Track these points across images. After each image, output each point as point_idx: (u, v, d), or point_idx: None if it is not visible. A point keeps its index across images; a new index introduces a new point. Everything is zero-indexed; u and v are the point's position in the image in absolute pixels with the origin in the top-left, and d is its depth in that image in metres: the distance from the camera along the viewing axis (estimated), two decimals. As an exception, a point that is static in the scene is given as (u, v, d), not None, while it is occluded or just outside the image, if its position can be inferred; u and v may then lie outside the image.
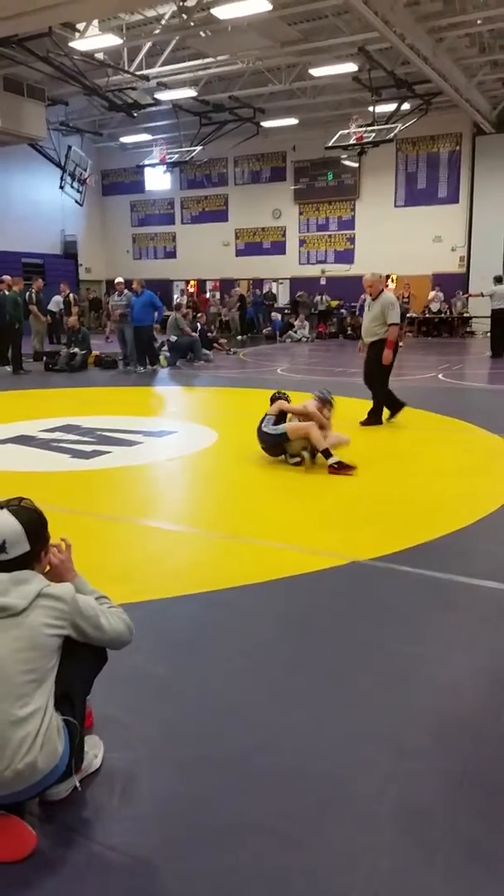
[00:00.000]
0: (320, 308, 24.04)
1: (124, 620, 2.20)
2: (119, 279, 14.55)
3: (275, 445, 6.20)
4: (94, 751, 2.26)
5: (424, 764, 2.30)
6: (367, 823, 2.05)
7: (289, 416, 6.30)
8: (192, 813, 2.08)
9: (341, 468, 5.80)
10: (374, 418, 7.88)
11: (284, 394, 6.51)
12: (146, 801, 2.14)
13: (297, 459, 6.04)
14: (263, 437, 6.21)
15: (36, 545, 2.09)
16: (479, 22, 15.32)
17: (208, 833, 2.00)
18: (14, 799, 1.95)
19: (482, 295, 16.88)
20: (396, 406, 7.99)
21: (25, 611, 2.00)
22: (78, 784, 2.10)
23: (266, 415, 6.28)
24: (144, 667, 2.81)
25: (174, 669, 2.87)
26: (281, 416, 6.25)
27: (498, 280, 16.40)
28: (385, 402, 7.97)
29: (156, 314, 13.65)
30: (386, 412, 7.98)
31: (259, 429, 6.25)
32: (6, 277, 13.54)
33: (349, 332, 22.45)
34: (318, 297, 24.35)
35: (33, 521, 2.10)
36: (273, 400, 6.43)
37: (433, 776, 2.24)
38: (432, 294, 23.04)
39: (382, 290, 7.82)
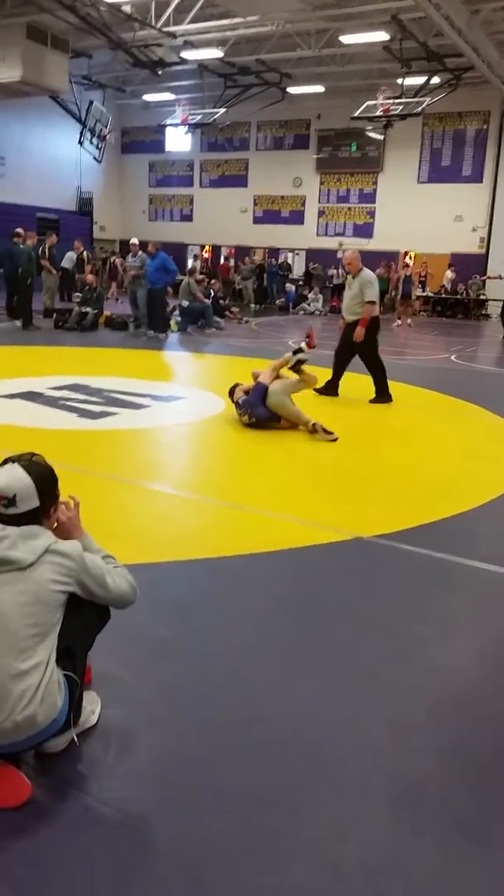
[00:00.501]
0: (335, 282, 23.81)
1: (129, 581, 2.20)
2: (134, 240, 14.38)
3: (268, 419, 6.35)
4: (92, 706, 2.28)
5: (419, 741, 2.32)
6: (360, 796, 2.06)
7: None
8: (187, 775, 2.10)
9: (323, 431, 5.98)
10: (382, 396, 7.84)
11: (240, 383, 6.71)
12: (141, 760, 2.16)
13: (334, 436, 6.01)
14: (257, 417, 6.33)
15: (45, 501, 2.09)
16: (517, -5, 14.95)
17: (202, 796, 2.02)
18: (12, 749, 1.97)
19: (500, 277, 16.80)
20: (333, 388, 7.94)
21: (33, 565, 2.00)
22: (76, 738, 2.12)
23: (238, 401, 6.50)
24: (146, 627, 2.82)
25: (175, 632, 2.88)
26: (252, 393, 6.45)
27: None
28: (335, 378, 7.96)
29: (168, 277, 13.47)
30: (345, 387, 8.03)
31: (245, 411, 6.38)
32: (20, 230, 13.41)
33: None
34: (333, 271, 24.10)
35: (44, 476, 2.10)
36: (231, 392, 6.67)
37: (427, 753, 2.26)
38: (450, 274, 22.81)
39: (361, 268, 7.73)
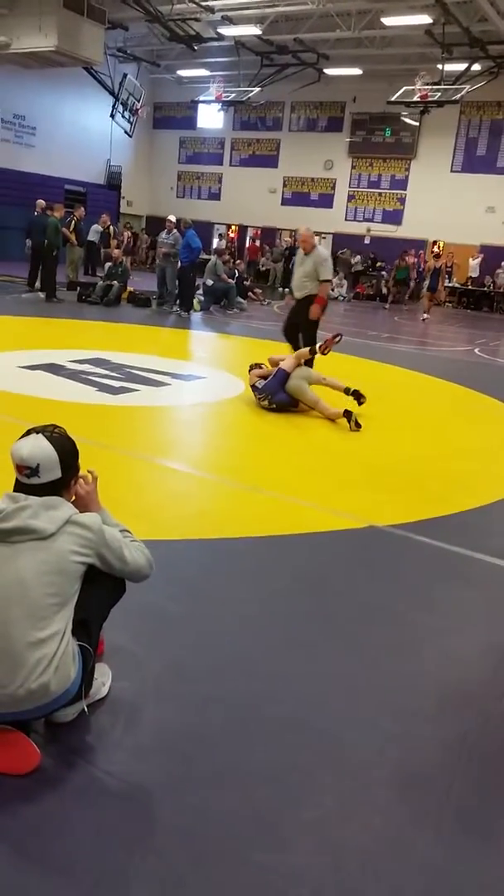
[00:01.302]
0: (357, 268, 23.60)
1: (145, 555, 2.22)
2: (171, 217, 14.23)
3: (288, 404, 6.39)
4: (103, 678, 2.30)
5: (425, 730, 2.32)
6: (364, 781, 2.08)
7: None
8: (193, 751, 2.12)
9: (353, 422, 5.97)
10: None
11: (258, 364, 6.75)
12: (149, 733, 2.19)
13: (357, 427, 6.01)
14: (278, 402, 6.34)
15: (67, 473, 2.11)
16: None
17: (206, 772, 2.04)
18: (23, 717, 2.00)
19: None
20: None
21: (53, 535, 2.02)
22: (86, 709, 2.14)
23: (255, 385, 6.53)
24: (158, 603, 2.84)
25: (187, 609, 2.90)
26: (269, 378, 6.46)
27: None
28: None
29: (192, 255, 13.30)
30: None
31: (265, 396, 6.38)
32: (41, 201, 13.42)
33: (386, 294, 22.09)
34: (356, 257, 23.89)
35: (67, 448, 2.11)
36: (251, 369, 6.72)
37: (432, 743, 2.27)
38: (472, 262, 22.51)
39: (315, 246, 7.61)
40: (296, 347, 7.66)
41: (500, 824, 1.99)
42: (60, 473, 2.08)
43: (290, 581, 3.30)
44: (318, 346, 6.76)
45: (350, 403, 6.25)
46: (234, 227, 27.29)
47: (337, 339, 6.85)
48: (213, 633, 2.75)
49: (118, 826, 1.84)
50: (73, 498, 2.21)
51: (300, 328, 7.67)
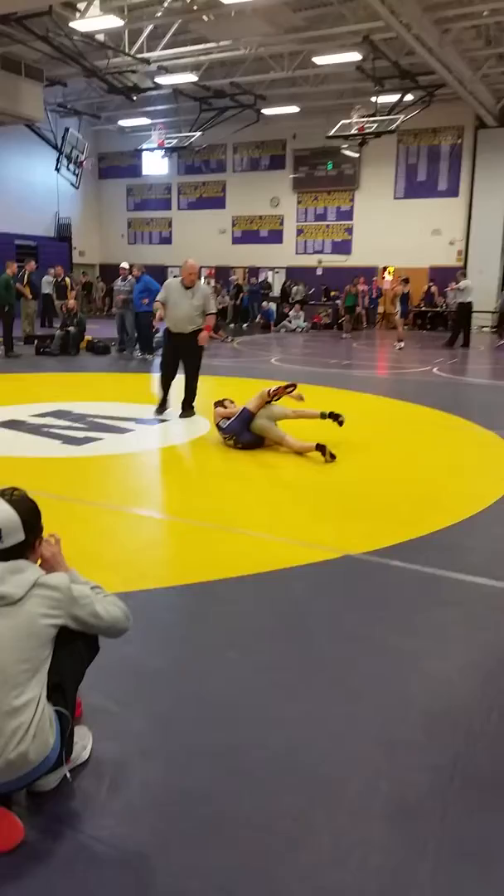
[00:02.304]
0: (296, 298, 23.88)
1: (120, 608, 2.18)
2: (124, 264, 14.35)
3: (254, 444, 6.35)
4: (83, 741, 2.24)
5: (415, 759, 2.29)
6: (358, 819, 2.04)
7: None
8: (183, 807, 2.07)
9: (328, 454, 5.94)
10: (190, 411, 7.83)
11: (223, 401, 6.71)
12: (135, 794, 2.13)
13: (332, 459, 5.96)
14: (243, 443, 6.32)
15: (30, 535, 2.09)
16: (485, 14, 15.24)
17: (199, 828, 1.99)
18: (3, 790, 1.94)
19: (456, 288, 16.89)
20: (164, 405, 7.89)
21: (22, 600, 1.99)
22: (68, 774, 2.08)
23: (220, 423, 6.50)
24: (135, 657, 2.79)
25: (165, 661, 2.85)
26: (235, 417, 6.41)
27: (463, 275, 17.16)
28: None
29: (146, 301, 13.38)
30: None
31: (230, 437, 6.36)
32: None
33: (341, 323, 22.38)
34: (295, 287, 24.17)
35: (29, 511, 2.09)
36: (216, 406, 6.67)
37: (424, 772, 2.24)
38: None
39: (198, 280, 7.72)
40: (170, 381, 7.73)
41: (500, 848, 1.96)
42: (24, 536, 2.06)
43: (268, 621, 3.27)
44: (269, 390, 6.48)
45: (330, 427, 6.26)
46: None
47: (289, 388, 6.52)
48: (194, 684, 2.70)
49: (114, 894, 1.78)
50: (39, 561, 2.17)
51: (186, 360, 7.73)
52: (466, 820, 2.05)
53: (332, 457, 5.94)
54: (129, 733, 2.38)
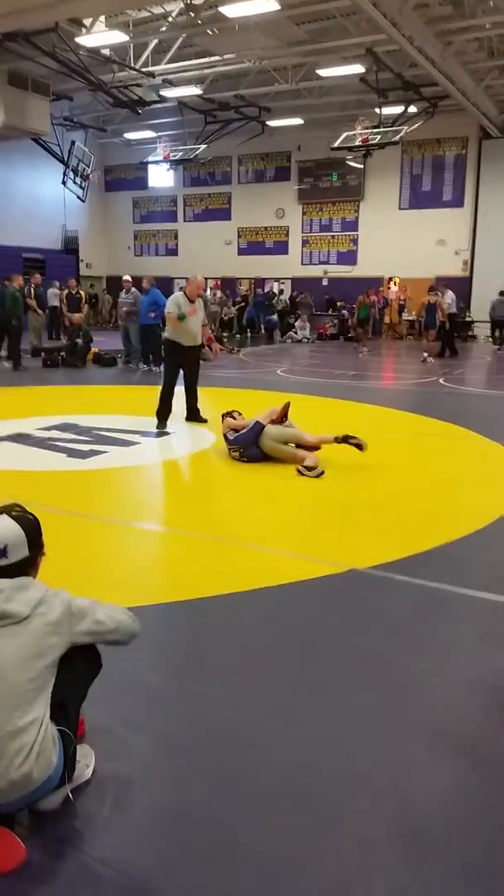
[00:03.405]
0: (279, 308, 23.88)
1: (124, 611, 2.22)
2: (127, 277, 14.42)
3: (259, 459, 6.28)
4: (86, 760, 2.23)
5: (421, 782, 2.27)
6: (362, 843, 2.02)
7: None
8: (185, 829, 2.05)
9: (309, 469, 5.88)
10: (199, 416, 8.10)
11: (232, 412, 6.70)
12: (138, 815, 2.11)
13: (321, 471, 5.88)
14: (249, 457, 6.28)
15: (33, 550, 2.11)
16: (487, 26, 15.30)
17: (199, 852, 1.97)
18: (6, 810, 1.93)
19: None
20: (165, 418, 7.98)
21: (28, 618, 2.00)
22: (70, 794, 2.07)
23: (227, 435, 6.45)
24: (139, 676, 2.78)
25: (169, 679, 2.84)
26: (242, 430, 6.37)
27: (446, 287, 17.25)
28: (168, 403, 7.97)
29: (153, 314, 13.36)
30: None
31: (238, 448, 6.32)
32: None
33: (350, 333, 22.42)
34: (275, 297, 24.16)
35: (32, 526, 2.12)
36: (224, 417, 6.66)
37: (429, 795, 2.21)
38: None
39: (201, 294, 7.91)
40: (173, 395, 7.85)
41: (506, 872, 1.94)
42: (28, 552, 2.08)
43: (273, 638, 3.25)
44: (275, 417, 6.43)
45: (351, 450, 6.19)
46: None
47: (286, 407, 6.53)
48: (198, 704, 2.68)
49: (113, 919, 1.77)
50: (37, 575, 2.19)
51: (189, 372, 7.98)
52: (472, 843, 2.03)
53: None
54: (132, 754, 2.37)
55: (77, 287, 17.46)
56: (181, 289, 7.95)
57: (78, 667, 2.12)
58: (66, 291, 16.94)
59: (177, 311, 7.61)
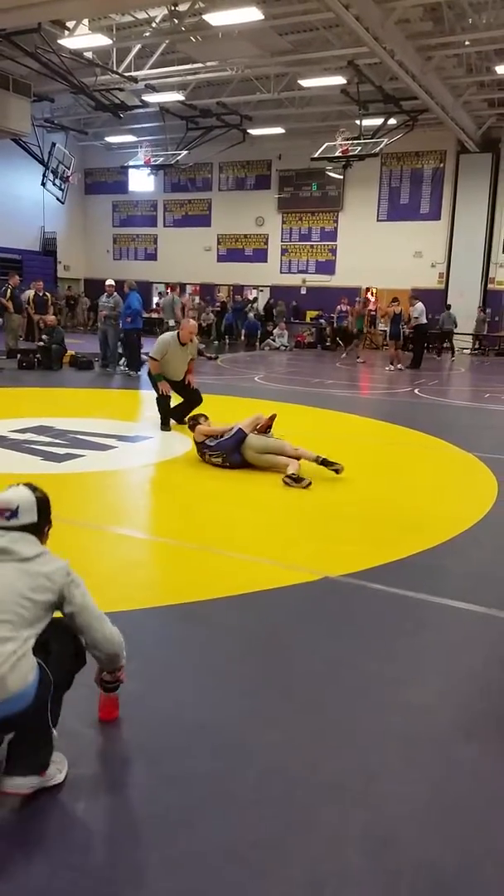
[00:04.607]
0: (251, 315, 23.97)
1: (118, 634, 2.36)
2: (110, 281, 14.36)
3: (241, 466, 6.27)
4: (58, 765, 2.22)
5: (391, 788, 2.29)
6: (332, 849, 2.02)
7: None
8: (157, 834, 2.05)
9: (296, 481, 5.80)
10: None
11: (198, 417, 6.72)
12: (109, 821, 2.10)
13: (308, 482, 5.83)
14: (231, 462, 6.27)
15: (41, 519, 2.32)
16: (466, 43, 15.56)
17: (170, 857, 1.96)
18: None
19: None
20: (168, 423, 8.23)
21: (31, 560, 2.20)
22: (47, 780, 2.12)
23: (202, 442, 6.44)
24: (112, 680, 2.76)
25: (143, 685, 2.82)
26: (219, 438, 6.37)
27: (416, 298, 17.40)
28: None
29: (129, 318, 13.31)
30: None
31: (219, 454, 6.30)
32: None
33: (328, 342, 22.56)
34: (276, 310, 24.24)
35: (44, 498, 2.37)
36: (191, 424, 6.64)
37: (400, 801, 2.23)
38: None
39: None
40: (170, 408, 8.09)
41: (479, 879, 1.95)
42: (36, 518, 2.29)
43: (247, 644, 3.25)
44: (258, 426, 6.42)
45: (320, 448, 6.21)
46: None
47: (272, 419, 6.57)
48: (171, 709, 2.68)
49: (82, 926, 1.76)
50: None
51: (187, 396, 8.27)
52: (444, 850, 2.04)
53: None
54: (105, 759, 2.36)
55: (43, 289, 17.31)
56: (174, 328, 8.18)
57: (64, 651, 2.25)
58: (32, 293, 16.80)
59: (157, 365, 8.00)
